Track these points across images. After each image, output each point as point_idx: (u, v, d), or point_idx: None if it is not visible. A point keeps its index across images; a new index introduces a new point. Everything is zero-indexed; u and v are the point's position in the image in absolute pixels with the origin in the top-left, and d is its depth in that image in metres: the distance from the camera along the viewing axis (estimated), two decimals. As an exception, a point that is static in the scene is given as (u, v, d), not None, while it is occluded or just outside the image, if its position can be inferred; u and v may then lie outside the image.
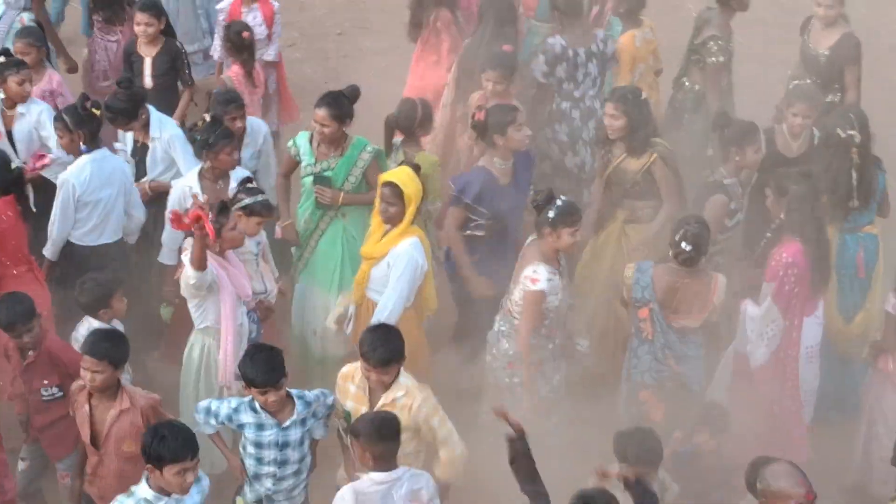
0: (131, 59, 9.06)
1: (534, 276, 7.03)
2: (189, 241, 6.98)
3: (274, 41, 9.69)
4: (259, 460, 6.41)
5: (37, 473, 7.09)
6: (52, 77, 8.87)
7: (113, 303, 7.12)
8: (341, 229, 7.90)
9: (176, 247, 7.68)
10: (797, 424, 7.42)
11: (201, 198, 7.02)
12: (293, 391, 6.38)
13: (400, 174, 7.34)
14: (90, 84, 9.48)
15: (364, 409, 6.35)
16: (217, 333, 7.06)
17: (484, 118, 7.83)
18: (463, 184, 7.80)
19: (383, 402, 6.34)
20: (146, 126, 8.11)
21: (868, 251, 7.74)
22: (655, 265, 7.18)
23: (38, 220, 7.85)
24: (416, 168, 7.42)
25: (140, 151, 8.20)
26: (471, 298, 7.89)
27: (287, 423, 6.33)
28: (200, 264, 6.75)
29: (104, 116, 8.00)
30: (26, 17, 9.41)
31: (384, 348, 6.26)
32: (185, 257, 6.94)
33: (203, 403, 6.49)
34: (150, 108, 8.18)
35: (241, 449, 6.48)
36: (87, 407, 6.29)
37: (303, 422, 6.39)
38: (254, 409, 6.34)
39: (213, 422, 6.38)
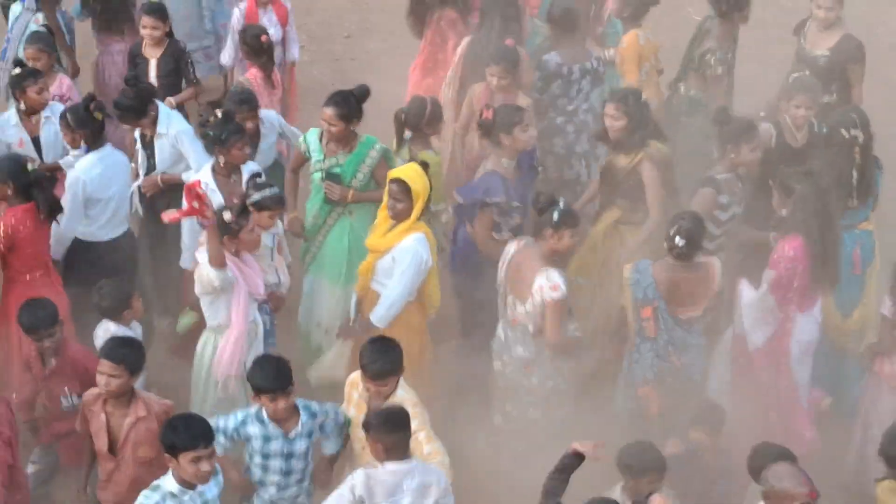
0: (136, 62, 9.19)
1: (552, 283, 7.07)
2: (205, 237, 7.07)
3: (293, 41, 9.81)
4: (265, 469, 6.46)
5: (46, 477, 7.16)
6: (63, 81, 9.01)
7: (133, 303, 7.20)
8: (349, 225, 7.96)
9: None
10: (798, 411, 7.47)
11: (212, 193, 7.12)
12: (299, 401, 6.42)
13: (408, 171, 7.39)
14: (102, 95, 9.50)
15: (362, 411, 6.45)
16: (227, 331, 7.16)
17: (491, 118, 7.91)
18: (484, 188, 7.82)
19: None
20: (155, 122, 8.19)
21: (864, 248, 7.79)
22: (653, 263, 7.25)
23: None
24: (425, 165, 7.47)
25: (149, 146, 8.28)
26: (475, 295, 7.94)
27: (293, 434, 6.37)
28: (219, 261, 6.85)
29: (115, 114, 8.17)
30: (41, 17, 9.56)
31: (382, 361, 6.36)
32: (201, 255, 7.02)
33: (210, 422, 6.40)
34: (159, 103, 8.27)
35: (247, 457, 6.52)
36: (103, 415, 6.35)
37: (308, 434, 6.43)
38: (260, 420, 6.37)
39: (221, 439, 6.30)
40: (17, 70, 8.39)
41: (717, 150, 8.02)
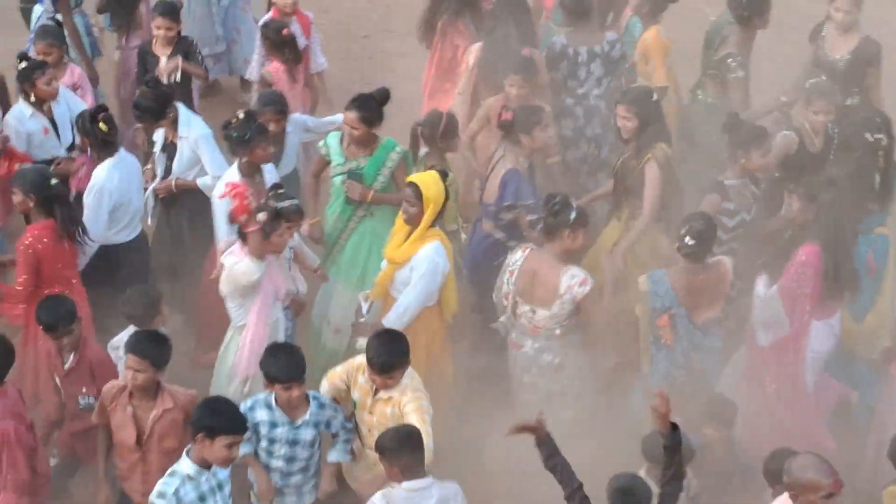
0: (146, 59, 9.25)
1: (579, 279, 7.13)
2: (228, 243, 7.13)
3: (317, 51, 9.83)
4: (270, 454, 6.54)
5: (66, 471, 7.18)
6: (74, 71, 9.11)
7: (161, 308, 7.26)
8: (369, 229, 8.01)
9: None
10: (811, 413, 7.47)
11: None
12: (309, 392, 6.49)
13: (424, 176, 7.44)
14: (127, 92, 9.63)
15: (368, 402, 6.51)
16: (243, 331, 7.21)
17: (511, 118, 7.95)
18: (514, 191, 7.88)
19: (382, 396, 6.49)
20: (174, 124, 8.23)
21: (878, 252, 7.76)
22: (667, 271, 7.26)
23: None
24: (444, 174, 7.50)
25: (168, 149, 8.32)
26: (489, 295, 7.92)
27: (299, 422, 6.44)
28: (260, 252, 6.94)
29: (134, 115, 8.26)
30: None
31: (388, 355, 6.41)
32: (228, 259, 7.07)
33: None
34: (180, 106, 8.31)
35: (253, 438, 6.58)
36: (129, 408, 6.40)
37: (315, 424, 6.50)
38: (268, 406, 6.45)
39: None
40: (23, 64, 8.44)
41: (727, 156, 8.02)
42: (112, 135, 7.82)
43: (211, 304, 7.70)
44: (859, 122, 7.94)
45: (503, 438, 6.72)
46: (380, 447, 6.09)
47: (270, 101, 8.39)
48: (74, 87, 8.91)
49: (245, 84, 10.65)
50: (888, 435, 7.10)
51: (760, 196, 8.01)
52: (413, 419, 6.35)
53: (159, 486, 5.87)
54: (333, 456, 6.66)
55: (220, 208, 7.58)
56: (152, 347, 6.32)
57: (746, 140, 7.86)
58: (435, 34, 9.49)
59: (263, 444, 6.52)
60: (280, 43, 9.12)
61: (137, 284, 7.40)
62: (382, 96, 7.97)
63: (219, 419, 5.82)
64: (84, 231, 7.49)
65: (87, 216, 7.72)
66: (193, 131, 8.23)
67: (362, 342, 6.99)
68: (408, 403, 6.44)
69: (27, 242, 7.26)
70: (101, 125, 7.73)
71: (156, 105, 8.17)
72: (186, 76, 9.20)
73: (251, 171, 7.78)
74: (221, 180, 7.82)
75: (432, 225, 7.35)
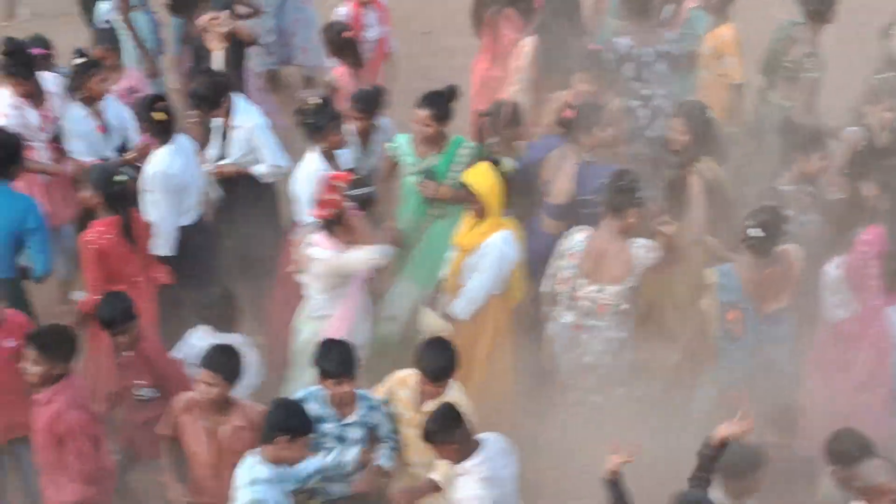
0: (200, 53, 9.37)
1: (648, 246, 7.19)
2: (316, 237, 7.12)
3: (388, 37, 9.95)
4: (317, 447, 6.49)
5: (126, 468, 7.21)
6: (132, 74, 9.23)
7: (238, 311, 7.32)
8: (442, 228, 7.96)
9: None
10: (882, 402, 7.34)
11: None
12: (360, 391, 6.49)
13: (473, 173, 7.47)
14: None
15: (410, 416, 6.53)
16: (324, 320, 7.22)
17: (573, 116, 7.93)
18: (593, 181, 7.80)
19: (428, 408, 6.46)
20: (229, 113, 8.28)
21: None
22: (735, 264, 7.21)
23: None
24: (495, 162, 7.52)
25: (223, 136, 8.37)
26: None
27: (347, 420, 6.44)
28: (359, 239, 7.04)
29: (190, 103, 8.34)
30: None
31: (440, 362, 6.42)
32: (321, 251, 7.08)
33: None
34: (236, 95, 8.36)
35: None
36: (202, 422, 6.42)
37: (363, 425, 6.50)
38: (319, 401, 6.45)
39: None
40: (80, 60, 8.52)
41: (784, 160, 7.97)
42: (169, 122, 7.89)
43: (285, 298, 7.73)
44: None
45: (560, 433, 6.84)
46: (429, 435, 6.09)
47: (361, 99, 8.41)
48: (133, 91, 9.00)
49: (309, 83, 10.71)
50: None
51: (819, 197, 7.94)
52: None
53: (248, 493, 5.86)
54: (378, 460, 6.65)
55: (304, 196, 7.63)
56: (225, 362, 6.34)
57: (805, 143, 7.81)
58: (485, 26, 9.50)
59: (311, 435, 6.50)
60: (342, 45, 9.17)
61: (215, 287, 7.43)
62: (452, 93, 8.03)
63: (302, 420, 5.90)
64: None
65: (151, 203, 7.81)
66: (249, 121, 8.29)
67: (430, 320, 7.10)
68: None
69: (88, 239, 7.34)
70: (156, 114, 7.82)
71: (211, 94, 8.23)
72: (239, 67, 9.30)
73: (328, 157, 7.82)
74: (302, 168, 7.87)
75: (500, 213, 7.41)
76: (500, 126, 8.25)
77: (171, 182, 7.81)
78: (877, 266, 7.14)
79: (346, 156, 8.05)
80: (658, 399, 7.42)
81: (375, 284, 7.79)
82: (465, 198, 7.43)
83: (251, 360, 7.26)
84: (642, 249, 7.24)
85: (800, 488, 6.78)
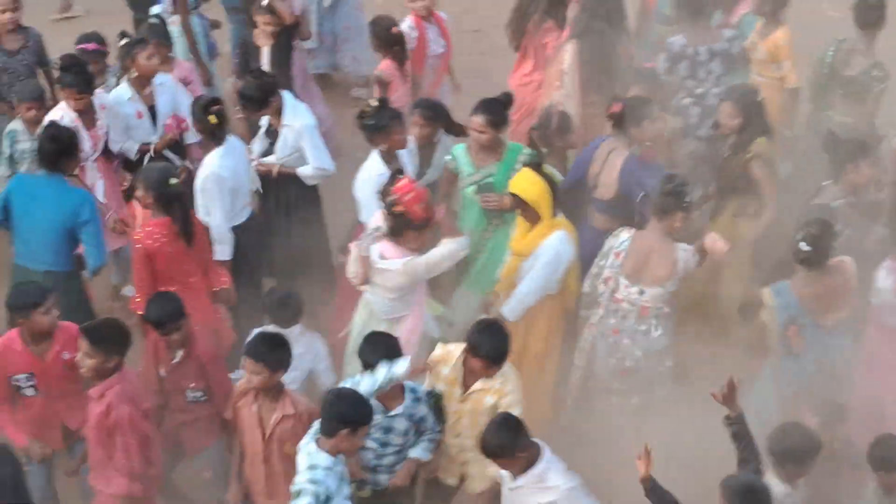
0: (247, 51, 9.52)
1: (690, 250, 7.23)
2: (382, 247, 7.13)
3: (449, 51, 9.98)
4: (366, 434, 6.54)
5: (169, 463, 7.20)
6: (182, 65, 9.30)
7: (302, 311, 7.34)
8: (504, 237, 7.91)
9: None
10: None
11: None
12: (408, 384, 6.50)
13: (519, 181, 7.45)
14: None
15: (457, 391, 6.53)
16: (398, 322, 7.27)
17: (621, 110, 7.93)
18: (639, 178, 7.83)
19: (480, 386, 6.50)
20: (278, 112, 8.32)
21: None
22: (791, 281, 7.17)
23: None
24: (537, 165, 7.53)
25: (272, 134, 8.44)
26: None
27: (393, 412, 6.45)
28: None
29: (238, 103, 8.39)
30: (177, 21, 9.81)
31: (501, 344, 6.39)
32: (392, 264, 7.07)
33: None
34: (286, 94, 8.39)
35: None
36: (255, 406, 6.49)
37: (409, 416, 6.51)
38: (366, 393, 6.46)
39: None
40: (124, 41, 8.62)
41: (832, 174, 7.89)
42: (222, 126, 7.96)
43: (347, 297, 7.75)
44: None
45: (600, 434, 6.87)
46: (494, 451, 6.03)
47: (424, 105, 8.44)
48: (184, 83, 9.08)
49: (362, 82, 10.81)
50: None
51: (866, 206, 7.90)
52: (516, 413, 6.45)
53: (307, 475, 5.88)
54: (416, 452, 6.66)
55: (365, 198, 7.66)
56: (268, 351, 6.38)
57: (853, 152, 7.78)
58: (524, 36, 9.52)
59: None
60: (389, 40, 9.21)
61: (284, 290, 7.47)
62: (507, 99, 8.05)
63: (364, 410, 5.94)
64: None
65: (205, 205, 7.87)
66: (298, 120, 8.32)
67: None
68: (510, 394, 6.49)
69: (138, 238, 7.40)
70: (211, 117, 7.88)
71: (259, 94, 8.27)
72: (287, 65, 9.38)
73: (389, 159, 7.85)
74: (363, 170, 7.91)
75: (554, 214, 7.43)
76: (551, 136, 8.25)
77: (223, 184, 7.86)
78: None
79: (405, 157, 8.04)
80: (699, 399, 7.40)
81: (438, 294, 7.85)
82: (518, 206, 7.44)
83: (317, 348, 7.37)
84: (687, 254, 7.25)
85: (848, 480, 6.78)
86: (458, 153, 8.11)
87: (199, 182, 7.92)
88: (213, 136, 7.95)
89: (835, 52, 9.02)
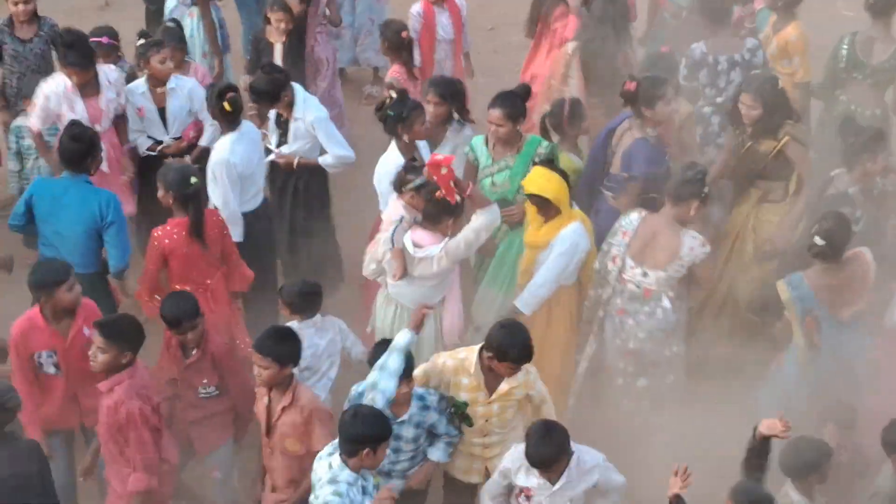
0: (260, 46, 9.51)
1: (700, 240, 7.20)
2: (416, 235, 7.11)
3: (466, 32, 10.04)
4: None
5: (182, 463, 7.14)
6: (197, 69, 9.32)
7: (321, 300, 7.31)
8: (521, 232, 7.83)
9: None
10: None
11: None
12: (417, 391, 6.47)
13: (536, 180, 7.39)
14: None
15: (481, 395, 6.48)
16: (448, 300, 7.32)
17: (635, 89, 7.90)
18: (646, 158, 7.82)
19: (507, 387, 6.46)
20: (290, 106, 8.34)
21: None
22: (805, 274, 7.15)
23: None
24: (549, 162, 7.52)
25: (283, 125, 8.47)
26: None
27: (400, 419, 6.41)
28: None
29: (251, 98, 8.41)
30: (196, 12, 9.86)
31: (526, 344, 6.35)
32: (433, 250, 7.04)
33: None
34: (297, 87, 8.40)
35: None
36: (266, 399, 6.48)
37: (417, 424, 6.48)
38: None
39: None
40: (142, 41, 8.65)
41: (845, 161, 7.88)
42: (236, 113, 7.98)
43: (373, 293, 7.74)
44: None
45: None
46: (542, 463, 6.03)
47: (435, 84, 8.42)
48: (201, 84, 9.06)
49: (376, 76, 10.81)
50: None
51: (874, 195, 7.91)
52: (547, 410, 6.53)
53: (329, 489, 5.82)
54: (435, 455, 6.64)
55: (389, 190, 7.61)
56: (275, 346, 6.35)
57: (872, 143, 7.76)
58: (538, 23, 9.55)
59: None
60: (398, 44, 9.23)
61: (302, 282, 7.37)
62: (524, 92, 8.02)
63: (382, 427, 5.88)
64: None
65: (214, 190, 7.89)
66: (309, 114, 8.35)
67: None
68: (536, 383, 6.55)
69: (156, 235, 7.41)
70: (226, 104, 7.91)
71: (271, 89, 8.28)
72: (300, 59, 9.43)
73: (410, 150, 7.84)
74: (382, 162, 7.91)
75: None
76: (564, 124, 8.25)
77: (232, 170, 7.89)
78: None
79: (424, 150, 8.02)
80: (709, 389, 7.43)
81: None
82: (538, 204, 7.40)
83: (340, 325, 7.36)
84: (695, 242, 7.22)
85: (861, 484, 6.78)
86: (476, 144, 8.10)
87: (209, 167, 7.97)
88: (227, 122, 7.99)
89: (850, 45, 8.99)
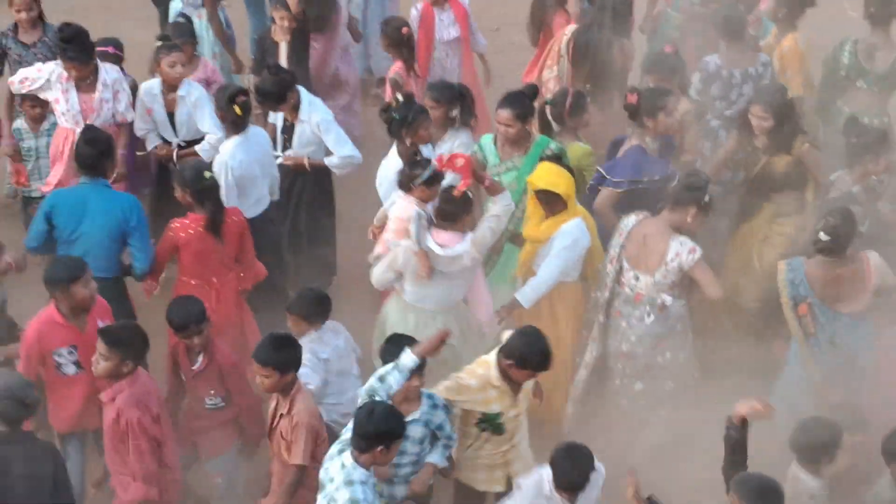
0: (265, 46, 9.53)
1: (688, 247, 7.15)
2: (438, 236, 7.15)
3: (477, 33, 10.06)
4: None
5: (187, 469, 7.19)
6: (207, 66, 9.34)
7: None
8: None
9: None
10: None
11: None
12: (424, 390, 6.48)
13: (545, 176, 7.42)
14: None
15: (507, 400, 6.51)
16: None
17: (637, 101, 7.93)
18: (634, 165, 7.86)
19: (529, 385, 6.58)
20: (296, 108, 8.37)
21: None
22: (806, 260, 7.19)
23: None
24: (556, 157, 7.54)
25: (288, 130, 8.50)
26: None
27: (409, 417, 6.39)
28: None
29: (256, 99, 8.44)
30: (204, 13, 9.86)
31: (545, 353, 6.40)
32: (461, 247, 7.11)
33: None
34: (302, 89, 8.43)
35: None
36: (274, 403, 6.48)
37: (425, 423, 6.49)
38: (384, 396, 6.42)
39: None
40: (159, 44, 8.69)
41: (846, 160, 7.93)
42: (244, 117, 8.01)
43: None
44: None
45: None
46: (571, 485, 6.04)
47: (432, 87, 8.47)
48: (208, 83, 9.12)
49: (380, 80, 10.82)
50: None
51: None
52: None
53: (346, 493, 5.80)
54: (433, 458, 6.64)
55: (389, 189, 7.68)
56: (275, 353, 6.33)
57: (875, 143, 7.81)
58: (542, 29, 9.59)
59: None
60: (398, 41, 9.25)
61: (310, 289, 7.38)
62: (532, 92, 8.05)
63: (398, 424, 5.90)
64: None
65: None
66: (315, 115, 8.38)
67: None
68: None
69: (174, 226, 7.45)
70: (236, 108, 7.95)
71: (277, 90, 8.30)
72: (305, 59, 9.43)
73: (413, 153, 7.86)
74: (384, 165, 7.96)
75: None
76: (565, 115, 8.25)
77: (229, 173, 7.91)
78: None
79: (428, 152, 8.03)
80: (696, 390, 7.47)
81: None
82: (546, 200, 7.42)
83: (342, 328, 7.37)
84: (682, 248, 7.16)
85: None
86: (484, 143, 8.13)
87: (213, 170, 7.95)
88: (235, 125, 8.02)
89: (852, 52, 9.00)
